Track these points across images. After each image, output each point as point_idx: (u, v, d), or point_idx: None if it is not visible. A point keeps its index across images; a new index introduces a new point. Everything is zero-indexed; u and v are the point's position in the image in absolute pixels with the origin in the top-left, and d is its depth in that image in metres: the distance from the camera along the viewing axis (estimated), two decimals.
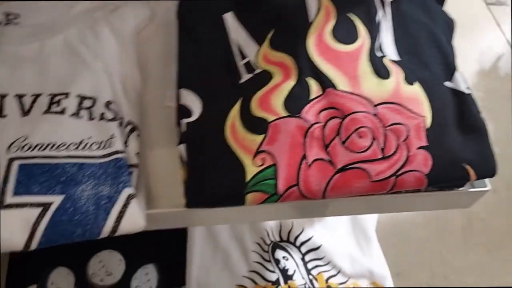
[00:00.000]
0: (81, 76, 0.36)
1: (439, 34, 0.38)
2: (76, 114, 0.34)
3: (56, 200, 0.29)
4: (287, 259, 0.59)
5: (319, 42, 0.35)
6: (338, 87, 0.33)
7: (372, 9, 0.37)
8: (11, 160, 0.30)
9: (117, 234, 0.30)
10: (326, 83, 0.33)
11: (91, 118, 0.34)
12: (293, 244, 0.60)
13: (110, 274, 0.59)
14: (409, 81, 0.34)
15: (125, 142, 0.34)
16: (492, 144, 0.34)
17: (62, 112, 0.34)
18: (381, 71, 0.34)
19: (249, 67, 0.35)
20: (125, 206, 0.30)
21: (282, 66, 0.34)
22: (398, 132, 0.32)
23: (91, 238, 0.30)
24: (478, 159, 0.33)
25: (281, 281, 0.57)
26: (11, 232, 0.28)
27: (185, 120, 0.33)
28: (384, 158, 0.31)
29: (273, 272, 0.57)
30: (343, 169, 0.31)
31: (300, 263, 0.59)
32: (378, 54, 0.35)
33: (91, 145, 0.32)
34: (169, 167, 0.35)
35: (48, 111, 0.34)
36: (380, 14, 0.37)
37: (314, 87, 0.33)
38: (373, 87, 0.33)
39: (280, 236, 0.61)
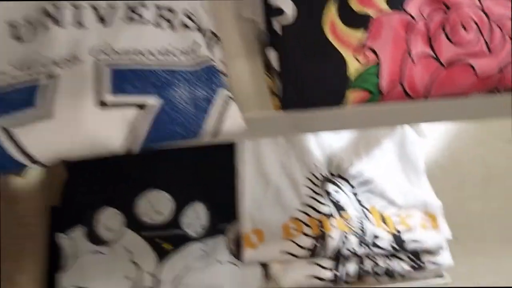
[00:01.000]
0: None
1: None
2: (157, 24, 0.32)
3: (154, 101, 0.28)
4: (338, 193, 0.58)
5: None
6: None
7: None
8: (102, 65, 0.29)
9: (219, 136, 0.29)
10: None
11: (172, 27, 0.32)
12: (343, 178, 0.60)
13: (159, 213, 0.59)
14: None
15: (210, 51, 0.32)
16: None
17: (142, 21, 0.32)
18: None
19: None
20: (224, 106, 0.29)
21: None
22: (504, 26, 0.30)
23: (193, 137, 0.28)
24: None
25: (334, 213, 0.56)
26: (111, 132, 0.27)
27: (280, 22, 0.30)
28: (490, 52, 0.30)
29: (326, 205, 0.57)
30: (449, 64, 0.30)
31: (352, 196, 0.59)
32: None
33: (178, 53, 0.31)
34: (248, 78, 0.34)
35: (128, 20, 0.32)
36: None
37: None
38: None
39: (329, 170, 0.60)
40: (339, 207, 0.57)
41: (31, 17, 0.31)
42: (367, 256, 0.56)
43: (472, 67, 0.30)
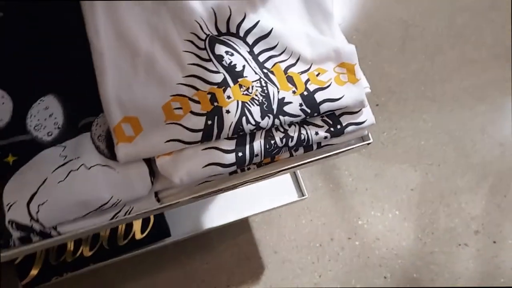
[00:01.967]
0: None
1: None
2: None
3: None
4: (231, 54, 0.45)
5: None
6: None
7: None
8: None
9: None
10: None
11: None
12: (236, 35, 0.46)
13: None
14: None
15: None
16: None
17: None
18: None
19: None
20: None
21: None
22: None
23: None
24: None
25: (229, 80, 0.44)
26: None
27: None
28: None
29: (217, 72, 0.44)
30: None
31: (249, 56, 0.46)
32: None
33: None
34: None
35: None
36: None
37: None
38: None
39: (217, 28, 0.46)
40: (234, 73, 0.44)
41: None
42: (275, 127, 0.45)
43: None
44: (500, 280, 1.05)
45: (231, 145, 0.43)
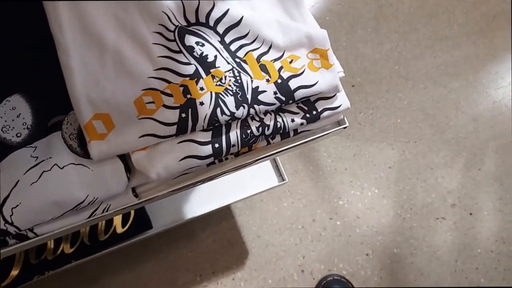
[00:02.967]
0: None
1: None
2: None
3: None
4: (202, 45, 0.44)
5: None
6: None
7: None
8: None
9: None
10: None
11: None
12: (206, 25, 0.45)
13: None
14: None
15: None
16: None
17: None
18: None
19: None
20: None
21: None
22: None
23: None
24: None
25: (201, 72, 0.43)
26: None
27: None
28: None
29: (188, 63, 0.43)
30: None
31: (220, 46, 0.45)
32: None
33: None
34: None
35: None
36: None
37: None
38: None
39: (185, 18, 0.45)
40: (206, 64, 0.43)
41: None
42: (251, 117, 0.44)
43: None
44: (477, 251, 1.09)
45: (207, 136, 0.42)
